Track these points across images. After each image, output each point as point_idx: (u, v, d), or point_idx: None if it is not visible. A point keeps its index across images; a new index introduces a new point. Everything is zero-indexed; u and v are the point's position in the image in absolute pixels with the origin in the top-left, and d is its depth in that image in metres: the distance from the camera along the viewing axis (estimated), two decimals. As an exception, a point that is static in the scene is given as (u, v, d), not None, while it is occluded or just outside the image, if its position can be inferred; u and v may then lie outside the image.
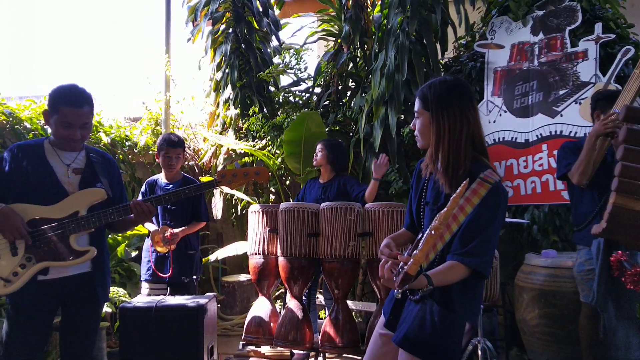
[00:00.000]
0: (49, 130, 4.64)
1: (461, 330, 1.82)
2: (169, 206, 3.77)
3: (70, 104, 2.38)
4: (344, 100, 5.66)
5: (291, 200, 5.54)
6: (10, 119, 4.56)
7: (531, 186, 4.28)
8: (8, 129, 4.55)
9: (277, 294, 5.31)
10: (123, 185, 2.76)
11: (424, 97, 1.90)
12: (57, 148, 2.50)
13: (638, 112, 1.60)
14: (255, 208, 3.86)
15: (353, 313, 3.92)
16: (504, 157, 4.44)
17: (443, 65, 5.19)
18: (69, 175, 2.47)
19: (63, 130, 2.41)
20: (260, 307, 3.76)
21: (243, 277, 5.67)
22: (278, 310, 3.90)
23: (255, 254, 3.76)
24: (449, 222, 1.67)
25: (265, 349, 3.84)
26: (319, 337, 3.59)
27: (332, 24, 5.99)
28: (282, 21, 6.71)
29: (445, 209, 1.58)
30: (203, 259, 5.37)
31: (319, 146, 4.17)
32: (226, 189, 5.16)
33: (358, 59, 5.72)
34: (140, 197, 3.72)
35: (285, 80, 6.49)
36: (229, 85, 6.08)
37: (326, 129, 5.19)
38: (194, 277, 3.87)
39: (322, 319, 4.47)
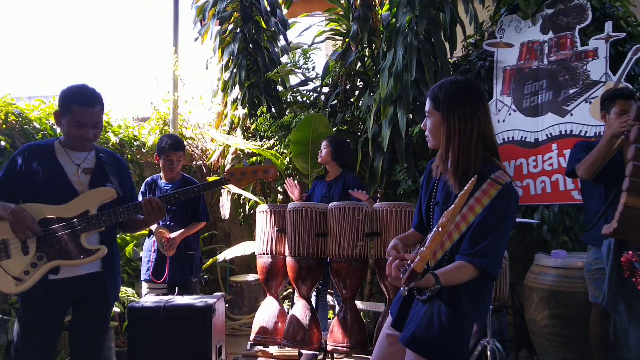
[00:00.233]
0: (58, 131, 4.70)
1: (469, 330, 1.81)
2: (168, 207, 3.78)
3: (83, 103, 2.40)
4: (352, 100, 5.64)
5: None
6: (20, 119, 4.58)
7: (541, 186, 4.26)
8: (17, 129, 4.58)
9: (284, 293, 5.31)
10: (133, 185, 2.77)
11: (434, 97, 1.89)
12: (68, 148, 2.51)
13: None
14: (263, 208, 3.86)
15: (361, 313, 3.91)
16: (514, 156, 4.41)
17: (452, 64, 5.16)
18: (80, 175, 2.49)
19: (76, 130, 2.43)
20: (268, 307, 3.76)
21: (251, 277, 5.68)
22: (286, 310, 3.89)
23: (263, 254, 3.76)
24: (458, 222, 1.66)
25: (273, 349, 3.84)
26: (328, 337, 3.59)
27: (340, 23, 5.97)
28: (290, 20, 6.71)
29: (453, 205, 1.57)
30: (211, 259, 5.38)
31: (323, 143, 4.17)
32: (234, 189, 5.17)
33: (366, 58, 5.70)
34: (139, 197, 3.72)
35: (293, 79, 6.50)
36: (237, 85, 6.09)
37: (334, 129, 5.19)
38: (194, 277, 3.87)
39: (331, 319, 4.47)
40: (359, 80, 5.75)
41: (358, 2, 5.39)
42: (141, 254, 4.53)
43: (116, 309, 3.92)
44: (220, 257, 5.26)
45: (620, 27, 4.32)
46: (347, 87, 5.64)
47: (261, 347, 3.87)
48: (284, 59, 6.38)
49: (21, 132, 4.59)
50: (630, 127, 2.88)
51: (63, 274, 2.40)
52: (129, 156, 5.62)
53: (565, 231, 4.25)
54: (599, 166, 3.07)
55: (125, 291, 4.10)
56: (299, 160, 5.09)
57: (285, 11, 6.66)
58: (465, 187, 1.59)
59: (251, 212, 5.68)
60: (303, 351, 3.76)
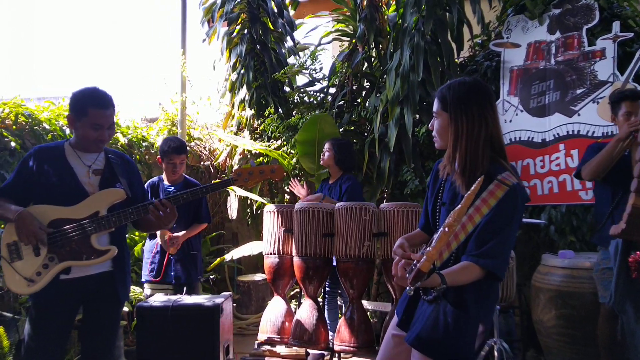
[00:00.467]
0: (68, 132, 4.74)
1: (475, 331, 1.81)
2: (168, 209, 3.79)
3: (98, 106, 2.44)
4: (358, 100, 5.65)
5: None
6: (30, 120, 4.62)
7: (548, 186, 4.25)
8: (27, 130, 4.62)
9: (292, 293, 5.33)
10: (144, 186, 2.79)
11: (442, 98, 1.89)
12: (78, 150, 2.54)
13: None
14: (270, 208, 3.87)
15: (368, 313, 3.91)
16: (521, 157, 4.41)
17: (459, 64, 5.16)
18: (90, 177, 2.51)
19: (93, 132, 2.46)
20: (276, 307, 3.77)
21: (258, 277, 5.70)
22: (293, 310, 3.91)
23: (271, 254, 3.77)
24: (464, 222, 1.67)
25: (281, 349, 3.86)
26: (335, 337, 3.60)
27: (347, 23, 5.98)
28: (297, 21, 6.72)
29: (459, 206, 1.58)
30: (218, 259, 5.41)
31: (326, 145, 4.17)
32: (240, 191, 5.19)
33: (373, 59, 5.71)
34: None
35: (300, 80, 6.52)
36: (244, 86, 6.11)
37: (341, 129, 5.20)
38: (198, 278, 3.91)
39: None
40: (365, 80, 5.76)
41: (365, 2, 5.40)
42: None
43: (125, 308, 3.95)
44: (227, 256, 5.28)
45: (628, 26, 4.31)
46: (354, 87, 5.65)
47: (268, 347, 3.89)
48: (291, 59, 6.40)
49: (31, 133, 4.63)
50: (637, 128, 2.89)
51: (74, 274, 2.43)
52: (137, 157, 5.65)
53: (572, 231, 4.24)
54: (604, 168, 3.08)
55: (134, 290, 4.13)
56: (305, 160, 5.10)
57: (292, 12, 6.68)
58: (472, 188, 1.59)
59: (258, 212, 5.70)
60: (310, 351, 3.77)
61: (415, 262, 1.64)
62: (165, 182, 3.88)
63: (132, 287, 4.13)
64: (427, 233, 2.11)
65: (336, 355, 3.65)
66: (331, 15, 6.33)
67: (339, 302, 4.42)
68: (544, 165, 4.30)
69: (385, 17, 5.49)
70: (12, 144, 4.39)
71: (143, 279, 3.89)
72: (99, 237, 2.45)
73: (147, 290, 3.88)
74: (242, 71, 6.15)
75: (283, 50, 6.41)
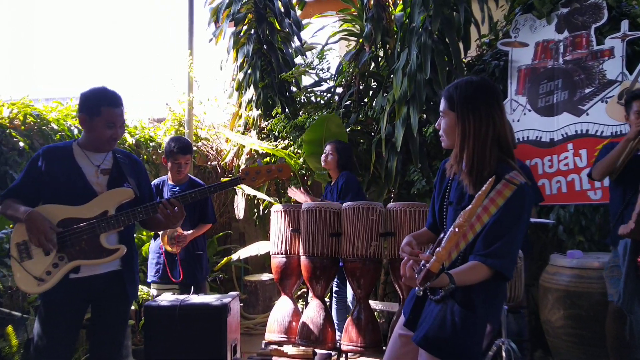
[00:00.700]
0: (76, 132, 4.77)
1: (482, 331, 1.81)
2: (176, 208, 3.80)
3: (111, 104, 2.47)
4: (365, 100, 5.65)
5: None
6: (38, 120, 4.65)
7: (556, 186, 4.23)
8: (36, 130, 4.65)
9: (299, 293, 5.33)
10: (151, 185, 2.80)
11: (449, 97, 1.89)
12: (86, 150, 2.55)
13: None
14: (277, 208, 3.88)
15: (375, 313, 3.91)
16: (529, 156, 4.39)
17: (466, 64, 5.15)
18: (99, 176, 2.52)
19: (108, 131, 2.48)
20: (283, 307, 3.77)
21: (265, 277, 5.70)
22: (300, 310, 3.91)
23: (278, 254, 3.78)
24: (472, 223, 1.66)
25: (288, 348, 3.86)
26: (342, 336, 3.60)
27: (354, 23, 5.98)
28: (304, 21, 6.73)
29: (470, 206, 1.57)
30: (225, 258, 5.41)
31: (329, 147, 4.18)
32: (248, 190, 5.20)
33: (380, 59, 5.71)
34: None
35: (306, 80, 6.52)
36: (251, 86, 6.12)
37: (348, 129, 5.20)
38: (204, 277, 3.91)
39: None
40: (372, 80, 5.75)
41: (372, 2, 5.39)
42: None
43: (132, 307, 3.96)
44: (234, 256, 5.29)
45: (636, 25, 4.27)
46: (361, 87, 5.65)
47: (276, 346, 3.89)
48: (298, 59, 6.40)
49: (39, 133, 4.66)
50: None
51: (83, 273, 2.44)
52: (144, 157, 5.68)
53: (581, 231, 4.22)
54: (613, 168, 3.07)
55: (141, 290, 4.14)
56: (312, 160, 5.10)
57: (299, 12, 6.69)
58: (483, 188, 1.59)
59: (265, 212, 5.71)
60: (317, 350, 3.77)
61: (423, 262, 1.64)
62: (170, 182, 3.89)
63: (140, 287, 4.15)
64: (434, 232, 2.10)
65: (343, 355, 3.65)
66: (338, 15, 6.33)
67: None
68: (552, 165, 4.28)
69: (392, 16, 5.48)
70: (21, 144, 4.41)
71: (149, 280, 3.90)
72: (108, 236, 2.46)
73: (153, 290, 3.89)
74: (249, 71, 6.17)
75: (290, 50, 6.41)
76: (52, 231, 2.34)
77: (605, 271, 3.24)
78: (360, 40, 5.62)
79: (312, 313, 3.59)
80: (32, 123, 4.63)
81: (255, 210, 5.93)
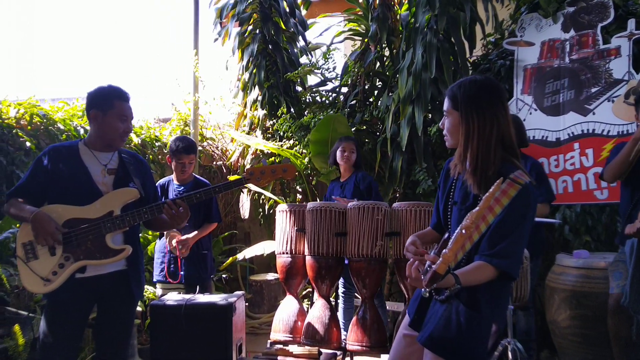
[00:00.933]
0: (82, 132, 4.78)
1: (488, 331, 1.80)
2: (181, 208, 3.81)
3: (123, 98, 2.53)
4: (370, 100, 5.65)
5: (318, 199, 5.55)
6: (44, 120, 4.67)
7: (563, 185, 4.22)
8: (42, 130, 4.67)
9: (304, 293, 5.33)
10: (156, 186, 2.81)
11: (453, 97, 1.88)
12: (93, 149, 2.55)
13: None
14: (282, 207, 3.87)
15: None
16: (535, 156, 4.36)
17: (471, 63, 5.14)
18: (105, 176, 2.53)
19: (121, 124, 2.52)
20: (288, 306, 3.77)
21: (270, 276, 5.71)
22: (305, 310, 3.91)
23: (283, 253, 3.78)
24: (477, 223, 1.66)
25: (293, 348, 3.86)
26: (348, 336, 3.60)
27: (359, 23, 5.98)
28: (309, 21, 6.73)
29: (477, 208, 1.57)
30: (231, 258, 5.43)
31: (351, 146, 4.14)
32: (254, 188, 5.20)
33: (385, 58, 5.70)
34: None
35: (311, 80, 6.52)
36: (257, 86, 6.13)
37: (353, 129, 5.20)
38: (209, 277, 3.92)
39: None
40: (377, 80, 5.75)
41: (377, 2, 5.39)
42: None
43: (138, 307, 3.97)
44: (240, 256, 5.30)
45: (643, 24, 4.26)
46: (366, 87, 5.65)
47: (281, 346, 3.90)
48: (303, 59, 6.41)
49: (46, 133, 4.68)
50: None
51: (89, 273, 2.45)
52: (150, 157, 5.69)
53: (587, 231, 4.20)
54: (624, 169, 3.05)
55: (147, 289, 4.15)
56: (318, 160, 5.10)
57: (304, 12, 6.69)
58: (490, 191, 1.59)
59: (271, 211, 5.72)
60: (323, 350, 3.77)
61: (429, 263, 1.63)
62: (175, 182, 3.89)
63: (146, 286, 4.16)
64: (439, 232, 2.10)
65: (349, 354, 3.65)
66: (343, 15, 6.33)
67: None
68: (559, 164, 4.27)
69: (398, 16, 5.47)
70: (27, 144, 4.44)
71: (154, 279, 3.91)
72: (113, 236, 2.47)
73: (158, 290, 3.90)
74: (254, 71, 6.17)
75: (295, 50, 6.42)
76: (58, 232, 2.35)
77: (610, 266, 3.23)
78: (366, 40, 5.62)
79: (318, 313, 3.59)
80: (38, 123, 4.66)
81: (261, 210, 5.94)
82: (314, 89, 6.23)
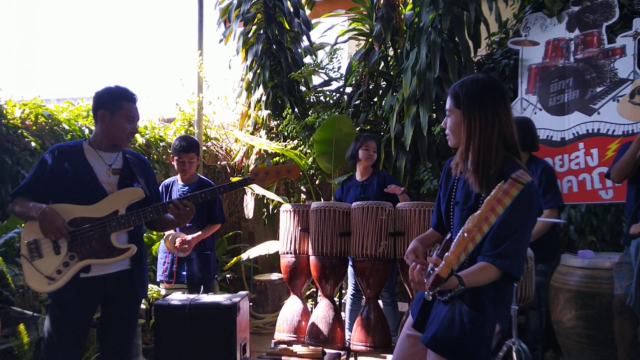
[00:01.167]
0: (87, 132, 4.80)
1: (491, 331, 1.79)
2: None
3: (131, 99, 2.55)
4: (375, 100, 5.64)
5: (322, 199, 5.55)
6: (50, 120, 4.69)
7: (567, 185, 4.20)
8: (47, 131, 4.69)
9: (308, 293, 5.33)
10: (158, 186, 2.82)
11: (455, 95, 1.88)
12: (98, 149, 2.56)
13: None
14: (286, 207, 3.88)
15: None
16: (540, 156, 4.35)
17: (476, 62, 5.13)
18: (110, 176, 2.54)
19: (128, 125, 2.54)
20: (292, 306, 3.78)
21: (275, 276, 5.71)
22: (309, 310, 3.91)
23: (287, 253, 3.78)
24: (479, 225, 1.65)
25: (297, 348, 3.86)
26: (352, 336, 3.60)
27: (363, 23, 5.97)
28: (313, 21, 6.73)
29: (479, 211, 1.57)
30: (235, 258, 5.43)
31: (374, 145, 4.07)
32: (258, 190, 5.21)
33: (389, 58, 5.70)
34: None
35: (316, 80, 6.52)
36: (260, 86, 6.14)
37: (357, 129, 5.19)
38: (212, 277, 3.92)
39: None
40: (382, 80, 5.74)
41: (381, 1, 5.38)
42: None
43: (142, 306, 3.98)
44: (244, 256, 5.30)
45: (649, 23, 4.24)
46: (370, 86, 5.64)
47: (285, 346, 3.90)
48: (307, 59, 6.40)
49: (51, 134, 4.70)
50: None
51: (94, 272, 2.45)
52: (155, 157, 5.71)
53: (592, 231, 4.19)
54: (630, 169, 3.04)
55: (151, 288, 4.16)
56: (322, 160, 5.10)
57: (308, 12, 6.69)
58: (492, 193, 1.58)
59: (275, 211, 5.72)
60: (327, 350, 3.77)
61: (432, 266, 1.63)
62: (180, 182, 3.89)
63: (150, 286, 4.17)
64: (440, 232, 2.10)
65: (353, 354, 3.65)
66: (347, 15, 6.33)
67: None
68: (564, 164, 4.26)
69: (402, 15, 5.47)
70: (33, 144, 4.46)
71: (158, 279, 3.92)
72: (118, 235, 2.47)
73: (162, 290, 3.90)
74: (258, 71, 6.18)
75: (299, 50, 6.42)
76: (66, 227, 2.36)
77: (614, 267, 3.22)
78: (370, 40, 5.61)
79: (322, 313, 3.59)
80: (43, 123, 4.68)
81: (265, 210, 5.94)
82: (318, 89, 6.23)
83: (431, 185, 4.56)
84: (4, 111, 4.54)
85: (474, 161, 1.80)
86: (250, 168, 5.91)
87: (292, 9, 6.29)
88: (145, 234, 4.65)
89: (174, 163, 3.86)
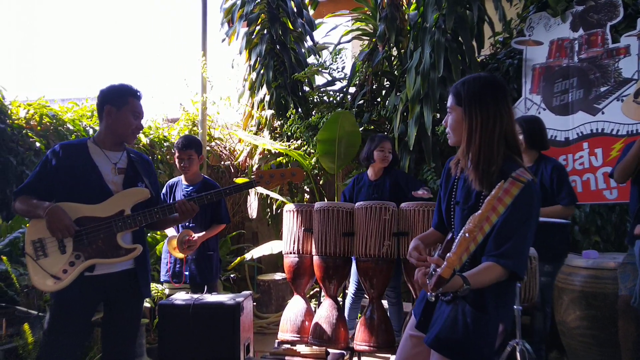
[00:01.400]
0: (91, 132, 4.81)
1: (494, 331, 1.79)
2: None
3: (136, 95, 2.58)
4: (378, 99, 5.64)
5: (325, 199, 5.55)
6: (54, 120, 4.70)
7: (572, 185, 4.19)
8: (52, 131, 4.71)
9: (311, 292, 5.33)
10: (158, 185, 2.82)
11: (457, 93, 1.88)
12: (103, 147, 2.56)
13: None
14: (290, 207, 3.88)
15: (388, 313, 3.90)
16: (544, 155, 4.36)
17: (480, 62, 5.12)
18: (115, 175, 2.54)
19: (134, 120, 2.56)
20: (296, 306, 3.78)
21: (278, 276, 5.72)
22: (313, 309, 3.91)
23: (290, 253, 3.78)
24: (481, 225, 1.65)
25: (301, 348, 3.87)
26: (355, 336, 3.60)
27: (367, 22, 5.97)
28: (317, 21, 6.73)
29: (480, 211, 1.56)
30: (239, 258, 5.44)
31: (389, 146, 4.05)
32: (261, 190, 5.21)
33: (393, 58, 5.69)
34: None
35: (319, 80, 6.52)
36: (264, 86, 6.14)
37: (361, 128, 5.19)
38: (215, 278, 3.92)
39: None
40: (385, 79, 5.74)
41: (385, 1, 5.38)
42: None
43: (147, 305, 3.99)
44: (247, 256, 5.31)
45: (653, 23, 4.23)
46: (374, 86, 5.64)
47: (288, 346, 3.90)
48: (311, 59, 6.41)
49: (55, 134, 4.71)
50: None
51: (98, 271, 2.45)
52: (159, 157, 5.72)
53: (596, 231, 4.18)
54: (633, 168, 3.03)
55: (156, 288, 4.18)
56: (325, 159, 5.09)
57: (311, 12, 6.69)
58: (492, 193, 1.58)
59: (278, 211, 5.72)
60: (330, 350, 3.77)
61: (434, 266, 1.62)
62: (184, 182, 3.90)
63: (154, 285, 4.18)
64: (441, 232, 2.10)
65: (356, 354, 3.65)
66: (351, 15, 6.33)
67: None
68: (568, 164, 4.24)
69: (406, 15, 5.47)
70: (37, 144, 4.47)
71: (161, 279, 3.93)
72: (123, 235, 2.48)
73: (166, 290, 3.91)
74: (262, 71, 6.18)
75: (302, 50, 6.42)
76: (73, 227, 2.36)
77: (618, 268, 3.21)
78: (374, 40, 5.61)
79: (325, 312, 3.59)
80: (48, 123, 4.69)
81: (268, 210, 5.94)
82: (322, 89, 6.23)
83: (435, 185, 4.55)
84: (9, 111, 4.56)
85: (475, 158, 1.80)
86: (254, 168, 5.92)
87: (295, 9, 6.30)
88: (149, 234, 4.67)
89: (175, 161, 3.87)
